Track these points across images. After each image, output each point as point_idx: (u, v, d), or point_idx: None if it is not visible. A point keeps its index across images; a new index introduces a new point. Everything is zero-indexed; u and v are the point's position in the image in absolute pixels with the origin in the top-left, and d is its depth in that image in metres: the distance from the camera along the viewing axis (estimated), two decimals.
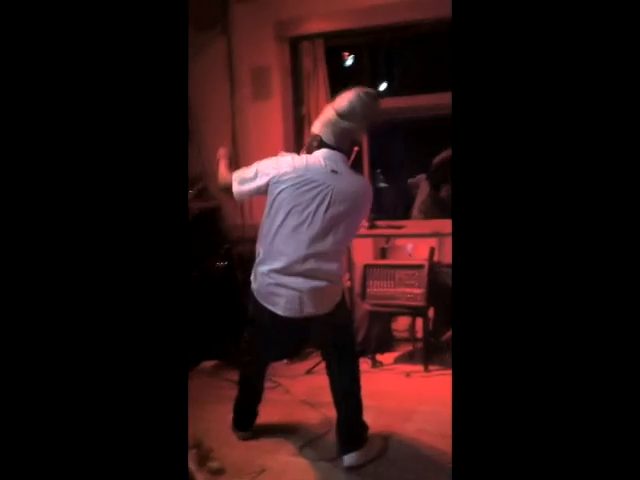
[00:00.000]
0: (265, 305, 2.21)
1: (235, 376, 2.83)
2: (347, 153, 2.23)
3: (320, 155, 2.18)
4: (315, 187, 2.13)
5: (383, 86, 4.46)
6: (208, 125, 4.11)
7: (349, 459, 2.21)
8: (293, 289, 2.14)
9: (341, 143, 2.20)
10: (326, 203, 2.12)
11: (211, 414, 2.72)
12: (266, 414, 2.60)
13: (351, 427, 2.29)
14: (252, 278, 2.27)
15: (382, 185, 3.83)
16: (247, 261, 3.69)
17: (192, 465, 2.12)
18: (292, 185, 2.13)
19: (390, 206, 4.79)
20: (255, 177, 2.21)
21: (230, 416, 2.54)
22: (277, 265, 2.16)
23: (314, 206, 2.12)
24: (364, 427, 2.31)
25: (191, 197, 3.69)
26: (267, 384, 2.65)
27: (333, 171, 2.15)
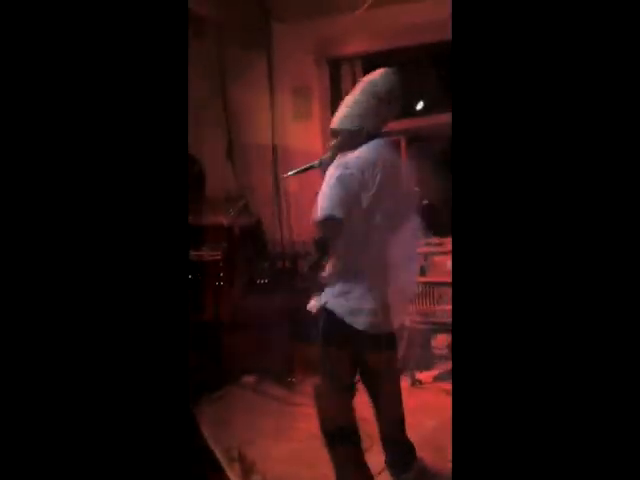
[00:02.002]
0: (346, 321, 1.96)
1: (275, 390, 2.86)
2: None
3: (376, 145, 1.99)
4: (391, 169, 1.96)
5: (420, 105, 4.48)
6: (249, 144, 4.21)
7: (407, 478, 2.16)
8: (377, 298, 1.98)
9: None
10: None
11: (253, 428, 2.76)
12: (306, 429, 2.62)
13: (401, 449, 2.21)
14: (328, 297, 2.00)
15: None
16: (286, 277, 3.77)
17: (235, 478, 2.15)
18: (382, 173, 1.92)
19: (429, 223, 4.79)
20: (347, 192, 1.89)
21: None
22: (365, 274, 1.97)
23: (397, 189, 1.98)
24: (412, 447, 2.23)
25: (233, 215, 3.78)
26: (306, 401, 2.66)
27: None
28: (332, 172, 1.92)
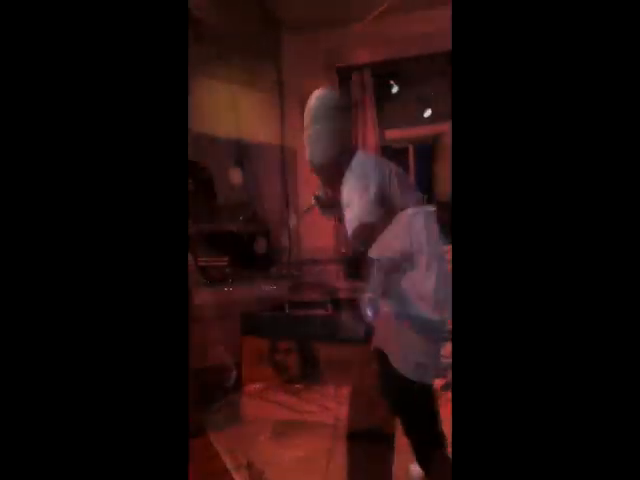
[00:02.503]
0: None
1: (279, 396, 2.86)
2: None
3: (364, 155, 1.97)
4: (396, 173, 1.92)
5: (428, 112, 4.49)
6: (258, 154, 4.23)
7: None
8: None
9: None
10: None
11: (260, 435, 2.76)
12: (317, 438, 2.62)
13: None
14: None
15: (429, 209, 3.85)
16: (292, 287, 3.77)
17: None
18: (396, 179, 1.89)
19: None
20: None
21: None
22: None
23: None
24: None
25: (242, 222, 3.80)
26: (314, 408, 2.66)
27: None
28: (354, 184, 1.83)
